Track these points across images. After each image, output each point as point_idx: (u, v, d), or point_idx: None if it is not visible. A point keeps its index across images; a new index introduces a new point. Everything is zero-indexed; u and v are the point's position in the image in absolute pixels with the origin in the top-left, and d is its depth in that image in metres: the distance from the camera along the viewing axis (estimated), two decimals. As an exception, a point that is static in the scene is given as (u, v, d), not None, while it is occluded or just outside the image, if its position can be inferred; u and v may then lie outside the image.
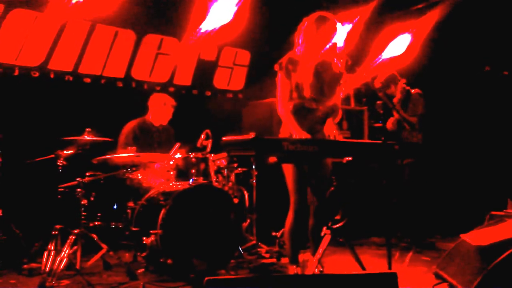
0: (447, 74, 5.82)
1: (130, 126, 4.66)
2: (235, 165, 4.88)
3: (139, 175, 4.22)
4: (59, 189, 3.86)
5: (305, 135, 3.11)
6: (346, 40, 3.36)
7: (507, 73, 4.71)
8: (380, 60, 4.92)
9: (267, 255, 4.51)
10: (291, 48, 3.36)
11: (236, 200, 4.66)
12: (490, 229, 3.20)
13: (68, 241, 3.65)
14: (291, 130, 3.20)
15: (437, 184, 5.80)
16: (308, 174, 3.24)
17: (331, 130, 3.32)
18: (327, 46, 3.18)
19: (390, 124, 5.02)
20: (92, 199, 3.97)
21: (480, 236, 3.06)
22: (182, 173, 4.24)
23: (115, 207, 4.06)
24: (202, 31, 5.15)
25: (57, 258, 3.54)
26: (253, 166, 4.85)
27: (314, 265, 3.05)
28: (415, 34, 5.20)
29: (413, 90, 5.06)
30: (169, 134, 4.86)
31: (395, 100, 5.04)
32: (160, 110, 4.75)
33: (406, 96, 4.98)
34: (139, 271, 3.74)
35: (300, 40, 3.30)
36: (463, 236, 3.21)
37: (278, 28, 5.72)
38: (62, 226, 3.77)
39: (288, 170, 3.25)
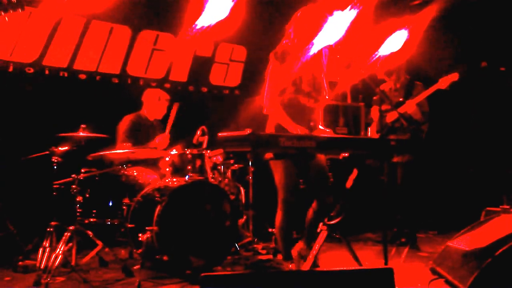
0: (443, 70, 5.81)
1: (127, 120, 4.66)
2: (232, 161, 4.87)
3: (134, 171, 4.21)
4: (54, 186, 3.83)
5: (302, 130, 3.09)
6: (342, 36, 3.35)
7: (504, 69, 4.70)
8: (377, 56, 4.91)
9: (264, 252, 4.50)
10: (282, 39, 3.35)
11: (232, 197, 4.65)
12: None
13: (63, 238, 3.63)
14: (284, 125, 3.17)
15: (434, 180, 5.81)
16: (305, 170, 3.23)
17: (321, 130, 3.31)
18: (319, 39, 3.16)
19: (373, 114, 4.97)
20: (87, 195, 3.95)
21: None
22: (178, 170, 4.23)
23: (110, 203, 4.04)
24: (198, 27, 5.12)
25: (52, 255, 3.52)
26: (250, 163, 4.84)
27: (310, 261, 3.04)
28: (412, 30, 5.19)
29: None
30: (162, 129, 4.86)
31: (391, 87, 4.98)
32: (155, 105, 4.77)
33: (407, 86, 4.92)
34: (135, 267, 3.72)
35: (290, 33, 3.29)
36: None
37: (274, 24, 5.70)
38: (57, 223, 3.75)
39: (278, 166, 3.22)
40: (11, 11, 2.97)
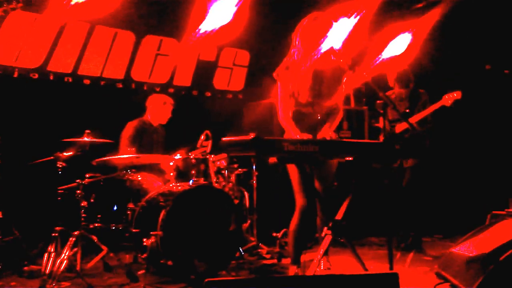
0: (447, 73, 5.80)
1: (131, 126, 4.67)
2: (235, 165, 4.88)
3: (139, 176, 4.22)
4: (59, 191, 3.84)
5: (306, 136, 3.09)
6: (345, 40, 3.35)
7: (508, 72, 4.68)
8: (380, 59, 4.91)
9: (268, 256, 4.50)
10: (290, 48, 3.35)
11: (236, 201, 4.64)
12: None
13: (68, 243, 3.64)
14: (292, 135, 3.20)
15: (439, 184, 5.78)
16: (311, 174, 3.23)
17: (326, 133, 3.31)
18: (325, 46, 3.16)
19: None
20: (92, 200, 3.95)
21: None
22: (182, 174, 4.23)
23: (115, 208, 4.04)
24: (201, 31, 5.14)
25: (57, 260, 3.53)
26: (253, 167, 4.84)
27: (315, 265, 3.04)
28: (415, 34, 5.19)
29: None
30: (164, 134, 4.89)
31: (394, 94, 4.96)
32: (160, 110, 4.78)
33: (412, 94, 4.90)
34: (140, 272, 3.73)
35: (297, 40, 3.29)
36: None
37: (277, 28, 5.72)
38: (62, 228, 3.76)
39: (293, 170, 3.25)
40: (6, 4, 2.95)
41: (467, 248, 3.11)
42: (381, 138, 5.07)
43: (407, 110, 4.74)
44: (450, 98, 4.58)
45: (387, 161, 3.40)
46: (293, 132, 3.18)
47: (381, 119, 4.97)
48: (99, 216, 3.98)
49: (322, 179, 3.33)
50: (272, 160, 3.25)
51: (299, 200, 3.25)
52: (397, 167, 4.77)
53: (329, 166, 3.35)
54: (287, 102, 3.29)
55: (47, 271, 3.51)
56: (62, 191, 3.86)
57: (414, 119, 4.65)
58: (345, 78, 3.37)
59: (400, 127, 4.76)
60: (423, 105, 4.78)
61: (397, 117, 4.78)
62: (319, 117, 3.29)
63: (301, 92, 3.24)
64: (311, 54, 3.22)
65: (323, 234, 3.08)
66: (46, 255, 3.64)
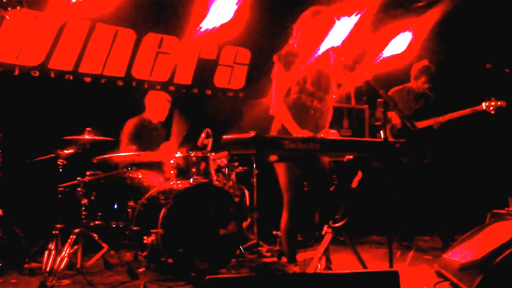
0: (448, 72, 5.79)
1: (131, 123, 4.69)
2: (236, 163, 4.88)
3: (139, 174, 4.22)
4: (60, 189, 3.85)
5: (306, 133, 3.08)
6: (346, 38, 3.34)
7: (508, 71, 4.68)
8: (381, 58, 4.90)
9: (268, 254, 4.50)
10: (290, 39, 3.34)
11: (236, 199, 4.64)
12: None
13: (69, 240, 3.65)
14: (288, 128, 3.17)
15: (439, 183, 5.78)
16: (308, 172, 3.22)
17: (327, 133, 3.30)
18: (325, 42, 3.15)
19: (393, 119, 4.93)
20: (92, 198, 3.97)
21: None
22: (182, 172, 4.23)
23: (115, 206, 4.05)
24: (202, 29, 5.14)
25: (57, 257, 3.54)
26: (254, 165, 4.84)
27: (315, 263, 3.04)
28: (416, 32, 5.18)
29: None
30: (165, 131, 4.90)
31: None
32: (156, 107, 4.81)
33: (425, 94, 4.89)
34: (140, 270, 3.73)
35: (297, 32, 3.28)
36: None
37: (278, 26, 5.71)
38: (62, 225, 3.77)
39: (282, 169, 3.22)
40: (10, 9, 2.95)
41: (460, 254, 3.11)
42: (382, 133, 5.03)
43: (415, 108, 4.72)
44: (492, 105, 4.58)
45: (388, 159, 3.40)
46: (291, 127, 3.14)
47: (392, 116, 4.94)
48: (99, 213, 3.99)
49: (318, 178, 3.32)
50: (273, 158, 3.24)
51: (288, 198, 3.23)
52: (414, 163, 4.76)
53: (323, 164, 3.34)
54: (283, 90, 3.23)
55: (48, 269, 3.52)
56: (62, 189, 3.87)
57: (444, 119, 4.68)
58: (343, 78, 3.36)
59: (419, 124, 4.74)
60: (428, 107, 4.78)
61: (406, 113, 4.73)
62: (316, 111, 3.27)
63: (307, 80, 3.22)
64: (310, 47, 3.21)
65: (323, 232, 3.08)
66: (46, 252, 3.65)
